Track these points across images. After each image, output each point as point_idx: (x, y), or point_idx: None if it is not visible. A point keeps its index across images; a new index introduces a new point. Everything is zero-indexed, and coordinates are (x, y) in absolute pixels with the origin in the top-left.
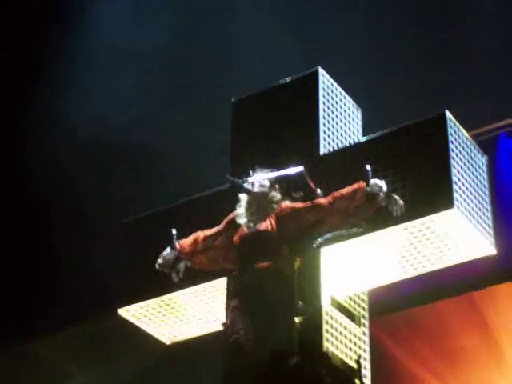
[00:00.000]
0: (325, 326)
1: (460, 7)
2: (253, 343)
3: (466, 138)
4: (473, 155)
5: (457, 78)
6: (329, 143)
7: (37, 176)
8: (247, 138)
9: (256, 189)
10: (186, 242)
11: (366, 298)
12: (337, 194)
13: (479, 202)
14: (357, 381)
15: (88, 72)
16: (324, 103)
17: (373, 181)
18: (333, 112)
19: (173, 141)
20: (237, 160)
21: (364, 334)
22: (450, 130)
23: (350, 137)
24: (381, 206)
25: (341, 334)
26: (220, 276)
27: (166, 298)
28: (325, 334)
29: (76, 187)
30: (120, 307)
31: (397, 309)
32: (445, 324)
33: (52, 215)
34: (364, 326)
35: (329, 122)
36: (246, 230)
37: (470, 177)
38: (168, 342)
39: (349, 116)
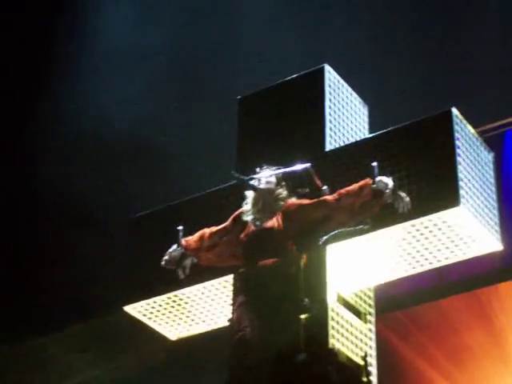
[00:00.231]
0: (331, 323)
1: (466, 4)
2: (259, 340)
3: (473, 135)
4: (479, 152)
5: (463, 74)
6: (335, 140)
7: (44, 176)
8: (253, 135)
9: (262, 186)
10: (192, 238)
11: (372, 295)
12: (343, 191)
13: (486, 198)
14: (363, 378)
15: (95, 72)
16: (330, 100)
17: (379, 178)
18: (339, 109)
19: (181, 140)
20: (243, 157)
21: (370, 330)
22: (456, 126)
23: (356, 133)
24: (387, 203)
25: (347, 330)
26: (226, 273)
27: (172, 294)
28: (331, 331)
29: (83, 186)
30: (126, 304)
31: (403, 306)
32: (451, 321)
33: (60, 214)
34: (370, 322)
35: (335, 119)
36: (252, 227)
37: (476, 174)
38: (174, 339)
39: (355, 113)
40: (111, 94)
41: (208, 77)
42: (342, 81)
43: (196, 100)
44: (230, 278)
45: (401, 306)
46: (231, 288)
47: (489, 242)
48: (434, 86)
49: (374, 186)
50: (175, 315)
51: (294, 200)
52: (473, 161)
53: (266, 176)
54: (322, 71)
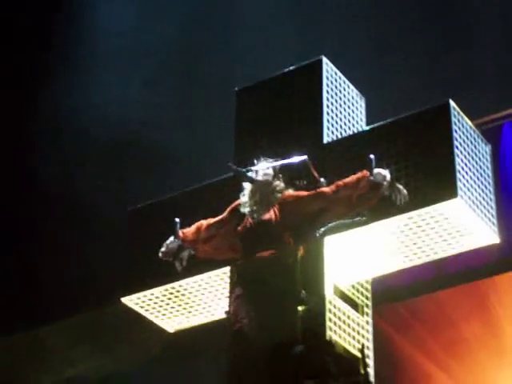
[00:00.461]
0: (328, 315)
1: None
2: (256, 332)
3: (470, 127)
4: (477, 144)
5: (461, 67)
6: (332, 132)
7: (45, 175)
8: (251, 127)
9: (259, 177)
10: (190, 230)
11: (369, 287)
12: (340, 182)
13: (483, 191)
14: (361, 369)
15: (96, 71)
16: (328, 92)
17: (376, 170)
18: (336, 101)
19: (181, 138)
20: (240, 149)
21: (367, 322)
22: (453, 118)
23: (353, 126)
24: (384, 195)
25: (344, 322)
26: (224, 265)
27: (169, 286)
28: (328, 323)
29: (83, 182)
30: (124, 296)
31: (400, 298)
32: (448, 313)
33: (58, 208)
34: (367, 314)
35: (332, 111)
36: (249, 219)
37: (473, 166)
38: (171, 330)
39: (352, 105)
40: (112, 92)
41: (206, 69)
42: (339, 73)
43: (195, 94)
44: (227, 270)
45: (398, 298)
46: (228, 280)
47: (486, 235)
48: (431, 78)
49: (372, 178)
50: (173, 307)
51: (291, 192)
52: (470, 153)
53: (263, 168)
54: (319, 63)
